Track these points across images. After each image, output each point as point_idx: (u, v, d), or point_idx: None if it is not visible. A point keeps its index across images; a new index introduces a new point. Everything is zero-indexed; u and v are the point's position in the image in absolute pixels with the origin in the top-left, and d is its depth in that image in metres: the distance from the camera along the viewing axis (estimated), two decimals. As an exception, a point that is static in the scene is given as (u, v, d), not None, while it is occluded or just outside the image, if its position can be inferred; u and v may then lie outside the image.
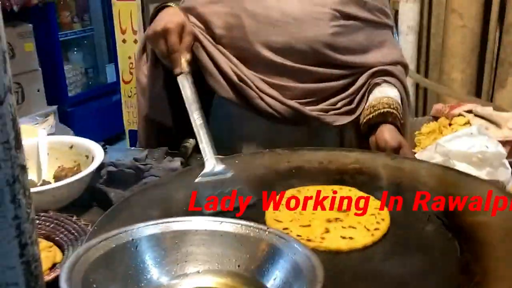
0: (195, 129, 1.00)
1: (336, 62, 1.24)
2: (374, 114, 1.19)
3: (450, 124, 1.66)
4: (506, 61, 2.08)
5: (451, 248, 0.72)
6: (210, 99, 1.35)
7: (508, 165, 1.14)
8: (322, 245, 0.75)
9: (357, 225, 0.79)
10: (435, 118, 1.72)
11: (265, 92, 1.22)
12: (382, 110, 1.18)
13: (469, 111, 1.68)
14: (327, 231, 0.78)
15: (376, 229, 0.78)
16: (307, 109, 1.22)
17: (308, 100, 1.24)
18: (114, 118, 3.46)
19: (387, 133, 1.15)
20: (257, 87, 1.22)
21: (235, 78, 1.21)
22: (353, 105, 1.25)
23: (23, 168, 0.34)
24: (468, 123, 1.62)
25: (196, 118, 1.00)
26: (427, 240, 0.77)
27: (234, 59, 1.23)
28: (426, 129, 1.72)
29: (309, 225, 0.80)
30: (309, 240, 0.75)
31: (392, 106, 1.18)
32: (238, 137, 1.30)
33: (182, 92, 1.06)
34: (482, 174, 1.11)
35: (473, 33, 2.12)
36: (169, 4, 1.21)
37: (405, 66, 1.33)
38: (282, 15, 1.20)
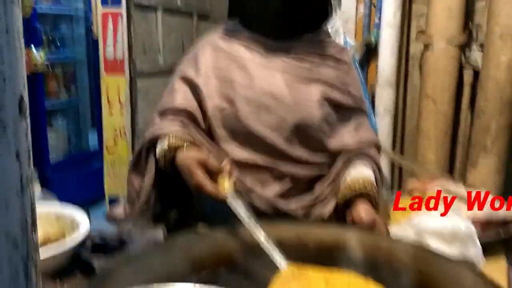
0: (261, 243, 0.98)
1: (323, 146, 1.31)
2: (350, 194, 1.25)
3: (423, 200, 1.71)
4: (477, 144, 2.18)
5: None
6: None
7: (478, 243, 1.18)
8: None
9: None
10: (410, 195, 1.77)
11: (257, 196, 1.26)
12: (357, 189, 1.24)
13: (442, 189, 1.73)
14: None
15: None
16: (299, 209, 1.29)
17: (291, 185, 1.30)
18: (94, 184, 3.46)
19: (362, 210, 1.20)
20: (249, 191, 1.26)
21: None
22: (332, 187, 1.31)
23: (37, 249, 0.37)
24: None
25: (259, 234, 0.99)
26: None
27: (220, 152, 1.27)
28: (401, 206, 1.76)
29: None
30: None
31: (367, 187, 1.24)
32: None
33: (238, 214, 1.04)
34: (454, 251, 1.15)
35: (445, 117, 2.22)
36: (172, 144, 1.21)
37: (378, 148, 1.41)
38: (274, 100, 1.27)
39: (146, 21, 3.16)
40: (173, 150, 1.18)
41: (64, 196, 1.89)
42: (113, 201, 2.65)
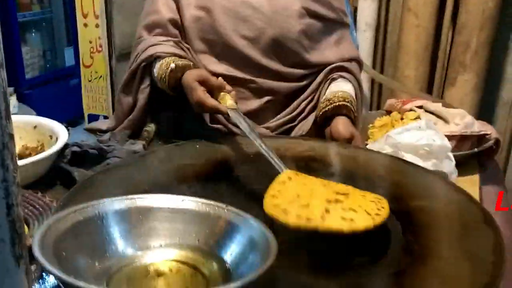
0: (264, 152, 0.99)
1: (300, 60, 1.30)
2: (329, 107, 1.25)
3: (402, 119, 1.74)
4: (457, 61, 2.18)
5: (394, 230, 0.79)
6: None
7: (452, 158, 1.22)
8: (324, 224, 0.74)
9: (358, 208, 0.78)
10: (388, 113, 1.79)
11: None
12: (337, 103, 1.24)
13: (420, 107, 1.75)
14: (327, 211, 0.76)
15: (377, 214, 0.77)
16: (274, 125, 1.30)
17: (270, 98, 1.30)
18: (72, 101, 3.42)
19: (341, 125, 1.22)
20: (230, 123, 1.25)
21: (208, 120, 1.27)
22: (313, 102, 1.31)
23: (11, 137, 0.37)
24: (418, 118, 1.69)
25: (260, 143, 1.00)
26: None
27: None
28: (379, 123, 1.79)
29: (308, 205, 0.78)
30: (309, 220, 0.75)
31: (346, 100, 1.25)
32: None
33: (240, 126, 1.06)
34: (428, 165, 1.19)
35: (427, 32, 2.20)
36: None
37: (359, 63, 1.40)
38: (253, 11, 1.24)
39: None
40: (180, 71, 1.17)
41: (42, 113, 1.87)
42: (92, 119, 2.63)
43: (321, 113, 1.27)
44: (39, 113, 1.67)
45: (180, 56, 1.21)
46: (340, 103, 1.24)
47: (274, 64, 1.28)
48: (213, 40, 1.26)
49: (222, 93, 1.11)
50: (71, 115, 3.78)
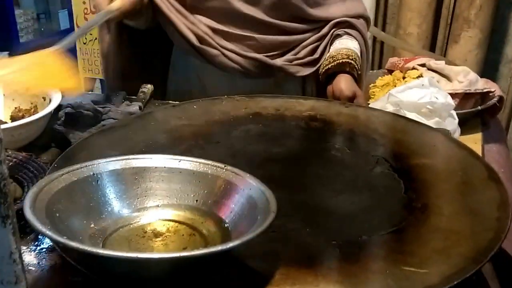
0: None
1: (304, 15, 1.26)
2: (332, 64, 1.22)
3: (404, 78, 1.71)
4: (461, 17, 2.14)
5: (396, 187, 0.78)
6: (170, 49, 1.36)
7: (456, 116, 1.20)
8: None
9: None
10: (390, 72, 1.76)
11: (227, 48, 1.22)
12: (340, 60, 1.21)
13: (423, 65, 1.73)
14: None
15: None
16: (271, 61, 1.24)
17: (272, 53, 1.26)
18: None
19: (343, 83, 1.19)
20: (219, 44, 1.22)
21: (194, 40, 1.21)
22: (316, 55, 1.27)
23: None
24: (421, 76, 1.67)
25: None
26: (374, 180, 0.82)
27: (191, 17, 1.23)
28: (380, 82, 1.76)
29: None
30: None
31: (350, 57, 1.22)
32: (200, 88, 1.31)
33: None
34: (431, 123, 1.17)
35: (430, -13, 2.16)
36: None
37: (367, 20, 1.36)
38: None
39: None
40: None
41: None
42: (87, 82, 2.60)
43: (324, 70, 1.24)
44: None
45: None
46: (344, 60, 1.21)
47: (276, 20, 1.23)
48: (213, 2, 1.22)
49: None
50: (67, 79, 3.74)
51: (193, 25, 1.22)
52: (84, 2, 2.57)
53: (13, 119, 0.98)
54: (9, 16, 3.62)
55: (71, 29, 3.52)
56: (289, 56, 1.27)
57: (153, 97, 1.25)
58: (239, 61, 1.23)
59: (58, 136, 0.96)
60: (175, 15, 1.21)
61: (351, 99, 1.18)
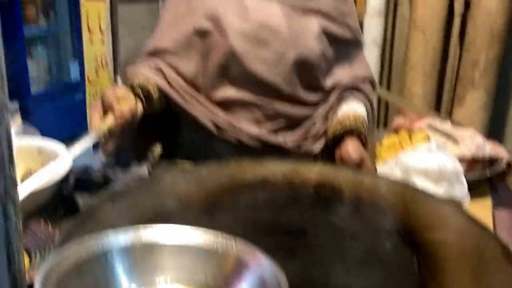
0: None
1: (317, 83, 1.26)
2: (340, 128, 1.23)
3: (410, 138, 1.72)
4: (465, 78, 2.16)
5: (409, 264, 0.76)
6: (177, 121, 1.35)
7: (465, 182, 1.19)
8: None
9: None
10: (396, 131, 1.77)
11: (244, 132, 1.22)
12: (348, 125, 1.22)
13: (429, 126, 1.73)
14: None
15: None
16: (288, 144, 1.24)
17: (284, 124, 1.25)
18: (76, 116, 3.42)
19: (350, 147, 1.19)
20: (237, 128, 1.21)
21: (213, 129, 1.21)
22: (327, 123, 1.28)
23: (15, 185, 0.35)
24: (427, 137, 1.67)
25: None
26: (387, 255, 0.80)
27: (209, 105, 1.22)
28: (387, 142, 1.77)
29: None
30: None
31: (357, 122, 1.22)
32: (209, 150, 1.28)
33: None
34: (440, 189, 1.16)
35: (434, 49, 2.19)
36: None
37: (373, 83, 1.37)
38: (272, 34, 1.19)
39: None
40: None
41: (46, 128, 1.86)
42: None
43: (331, 134, 1.25)
44: (43, 128, 1.66)
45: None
46: (351, 125, 1.22)
47: (293, 88, 1.23)
48: (228, 65, 1.20)
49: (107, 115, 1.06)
50: (75, 129, 3.75)
51: (212, 114, 1.21)
52: (95, 57, 2.62)
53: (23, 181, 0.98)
54: (21, 67, 3.68)
55: (81, 80, 3.56)
56: (301, 131, 1.27)
57: (162, 154, 1.25)
58: (255, 145, 1.23)
59: (67, 200, 0.95)
60: (192, 105, 1.21)
61: (359, 163, 1.17)
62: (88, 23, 2.63)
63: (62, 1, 4.21)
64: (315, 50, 1.22)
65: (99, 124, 1.04)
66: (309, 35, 1.21)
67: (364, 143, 1.24)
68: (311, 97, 1.27)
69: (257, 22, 1.19)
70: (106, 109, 1.07)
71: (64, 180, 0.97)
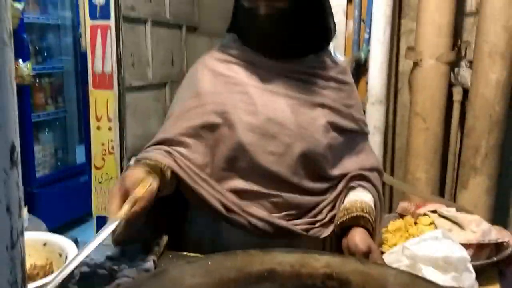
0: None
1: (325, 174, 1.28)
2: (347, 217, 1.22)
3: (415, 223, 1.71)
4: (467, 164, 2.18)
5: None
6: (185, 209, 1.36)
7: (472, 270, 1.18)
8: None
9: None
10: (401, 216, 1.76)
11: (254, 215, 1.22)
12: (355, 214, 1.22)
13: (434, 211, 1.73)
14: None
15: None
16: (297, 228, 1.24)
17: (293, 212, 1.26)
18: (81, 199, 3.42)
19: (358, 237, 1.18)
20: (246, 212, 1.22)
21: (223, 211, 1.22)
22: (335, 211, 1.28)
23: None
24: (432, 223, 1.67)
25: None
26: None
27: (218, 187, 1.23)
28: (392, 227, 1.76)
29: None
30: None
31: (365, 210, 1.22)
32: (216, 238, 1.29)
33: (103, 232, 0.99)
34: (448, 278, 1.14)
35: (435, 135, 2.22)
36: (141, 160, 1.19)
37: (380, 172, 1.38)
38: (280, 127, 1.22)
39: (135, 34, 3.13)
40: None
41: (51, 213, 1.86)
42: (101, 221, 2.60)
43: (338, 223, 1.24)
44: (48, 210, 1.67)
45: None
46: (358, 213, 1.22)
47: (300, 179, 1.25)
48: (236, 157, 1.23)
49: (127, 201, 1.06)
50: (80, 212, 3.75)
51: (221, 195, 1.22)
52: (103, 144, 2.66)
53: (28, 277, 0.96)
54: (27, 152, 3.72)
55: (87, 164, 3.59)
56: (309, 218, 1.28)
57: (169, 245, 1.24)
58: (265, 227, 1.22)
59: (71, 295, 0.94)
60: (201, 186, 1.22)
61: (366, 254, 1.16)
62: (96, 111, 2.69)
63: (71, 88, 4.33)
64: (322, 142, 1.25)
65: (116, 212, 1.04)
66: (315, 128, 1.24)
67: (371, 233, 1.23)
68: (319, 186, 1.28)
69: (265, 116, 1.22)
70: (124, 194, 1.07)
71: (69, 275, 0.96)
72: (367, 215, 1.22)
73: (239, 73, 1.27)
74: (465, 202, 2.12)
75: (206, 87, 1.27)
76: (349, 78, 1.37)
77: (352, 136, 1.33)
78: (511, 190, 2.29)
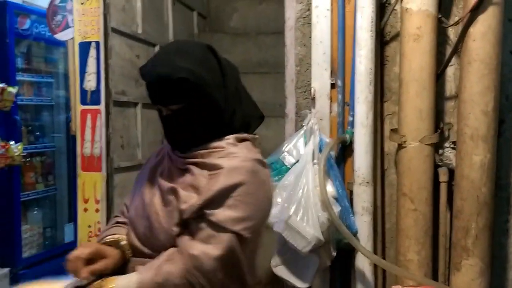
0: None
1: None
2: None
3: (412, 312, 1.57)
4: (458, 245, 2.05)
5: None
6: None
7: None
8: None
9: None
10: (396, 303, 1.62)
11: None
12: None
13: (429, 299, 1.59)
14: None
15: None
16: None
17: None
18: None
19: None
20: None
21: None
22: None
23: None
24: (431, 313, 1.52)
25: None
26: None
27: None
28: (387, 314, 1.61)
29: None
30: None
31: None
32: None
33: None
34: None
35: (424, 216, 2.10)
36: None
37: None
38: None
39: (125, 116, 3.05)
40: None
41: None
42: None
43: None
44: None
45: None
46: None
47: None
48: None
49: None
50: (65, 292, 3.50)
51: None
52: (89, 226, 2.50)
53: None
54: (14, 233, 3.51)
55: (74, 242, 3.39)
56: None
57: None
58: None
59: None
60: None
61: None
62: (83, 193, 2.55)
63: (62, 165, 4.17)
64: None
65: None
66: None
67: None
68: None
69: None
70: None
71: None
72: None
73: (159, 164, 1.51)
74: (460, 285, 1.98)
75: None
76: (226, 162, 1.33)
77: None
78: (505, 270, 2.16)
